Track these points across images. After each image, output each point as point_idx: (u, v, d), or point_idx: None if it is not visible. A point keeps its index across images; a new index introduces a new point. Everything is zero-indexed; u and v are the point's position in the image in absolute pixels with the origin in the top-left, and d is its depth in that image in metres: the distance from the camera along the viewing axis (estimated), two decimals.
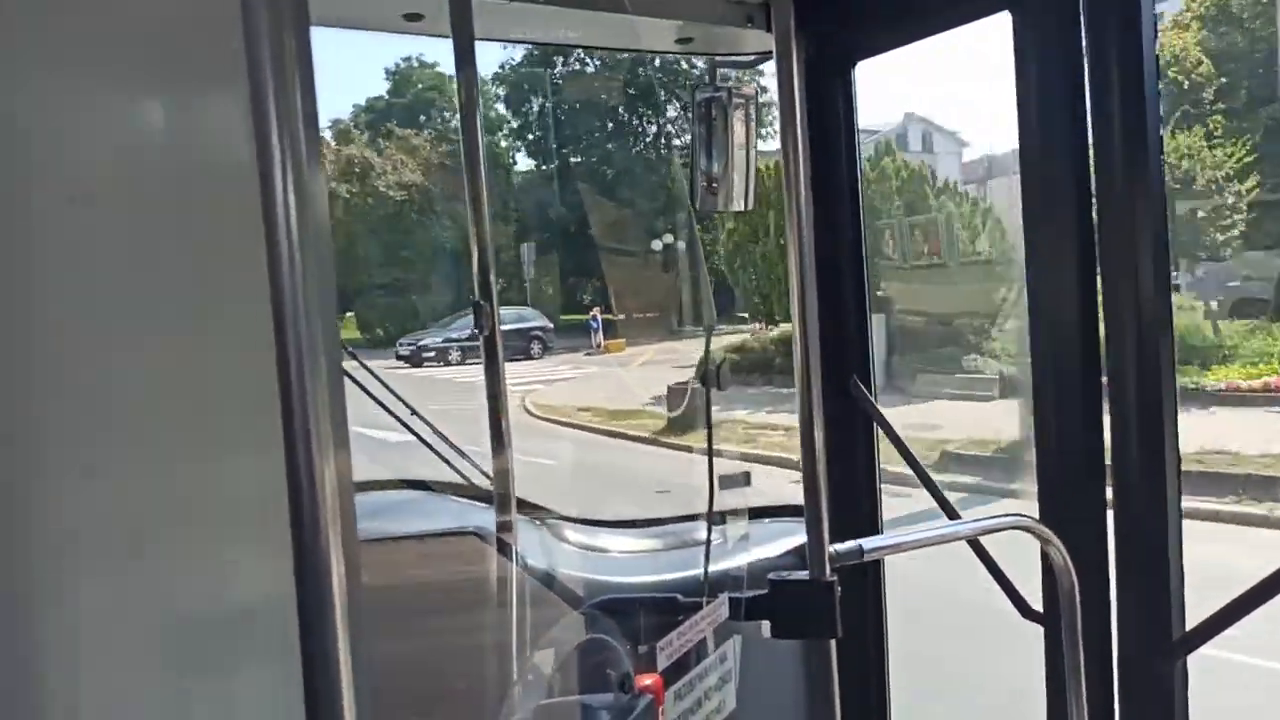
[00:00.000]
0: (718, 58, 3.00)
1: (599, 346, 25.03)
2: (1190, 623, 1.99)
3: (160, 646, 0.77)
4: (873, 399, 2.60)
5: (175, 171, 0.77)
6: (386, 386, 2.21)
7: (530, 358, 24.20)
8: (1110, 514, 2.06)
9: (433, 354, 22.32)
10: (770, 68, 1.87)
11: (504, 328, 2.07)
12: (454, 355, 21.96)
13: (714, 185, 2.55)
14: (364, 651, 0.79)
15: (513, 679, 1.63)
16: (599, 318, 24.91)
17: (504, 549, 2.10)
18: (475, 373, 2.11)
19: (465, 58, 2.01)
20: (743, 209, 2.67)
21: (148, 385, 0.77)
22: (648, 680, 1.56)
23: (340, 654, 0.74)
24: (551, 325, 25.48)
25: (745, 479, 2.56)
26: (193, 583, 0.79)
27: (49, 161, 0.73)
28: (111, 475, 0.75)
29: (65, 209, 0.74)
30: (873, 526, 2.64)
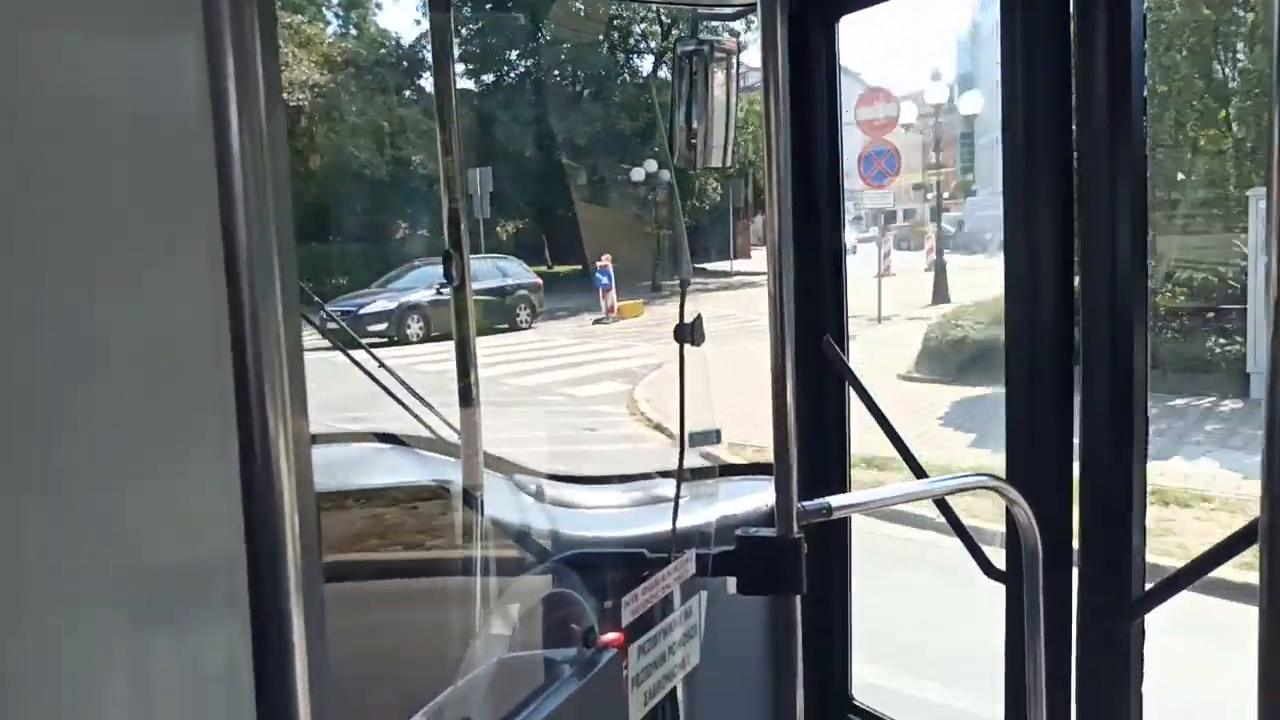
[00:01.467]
0: (700, 9, 2.95)
1: (612, 310, 19.42)
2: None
3: (114, 597, 0.75)
4: (845, 358, 2.60)
5: (125, 117, 0.74)
6: (352, 335, 2.18)
7: (518, 328, 18.74)
8: (1076, 475, 2.08)
9: (383, 325, 16.16)
10: (754, 21, 1.83)
11: (479, 285, 2.02)
12: (414, 327, 16.48)
13: (693, 140, 2.51)
14: (319, 609, 0.77)
15: (475, 632, 1.63)
16: (609, 270, 19.22)
17: (470, 502, 2.09)
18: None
19: (439, 2, 1.95)
20: (722, 165, 2.64)
21: (102, 332, 0.75)
22: (611, 635, 1.56)
23: (292, 610, 0.73)
24: (539, 282, 20.12)
25: (716, 436, 2.56)
26: (148, 532, 0.77)
27: None
28: (64, 425, 0.73)
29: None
30: (842, 486, 2.66)
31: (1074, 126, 2.00)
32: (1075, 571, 2.09)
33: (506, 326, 18.39)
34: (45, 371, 0.71)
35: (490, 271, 18.32)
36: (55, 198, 0.72)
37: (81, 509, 0.73)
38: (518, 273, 19.72)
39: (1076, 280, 2.04)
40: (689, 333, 1.65)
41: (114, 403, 0.74)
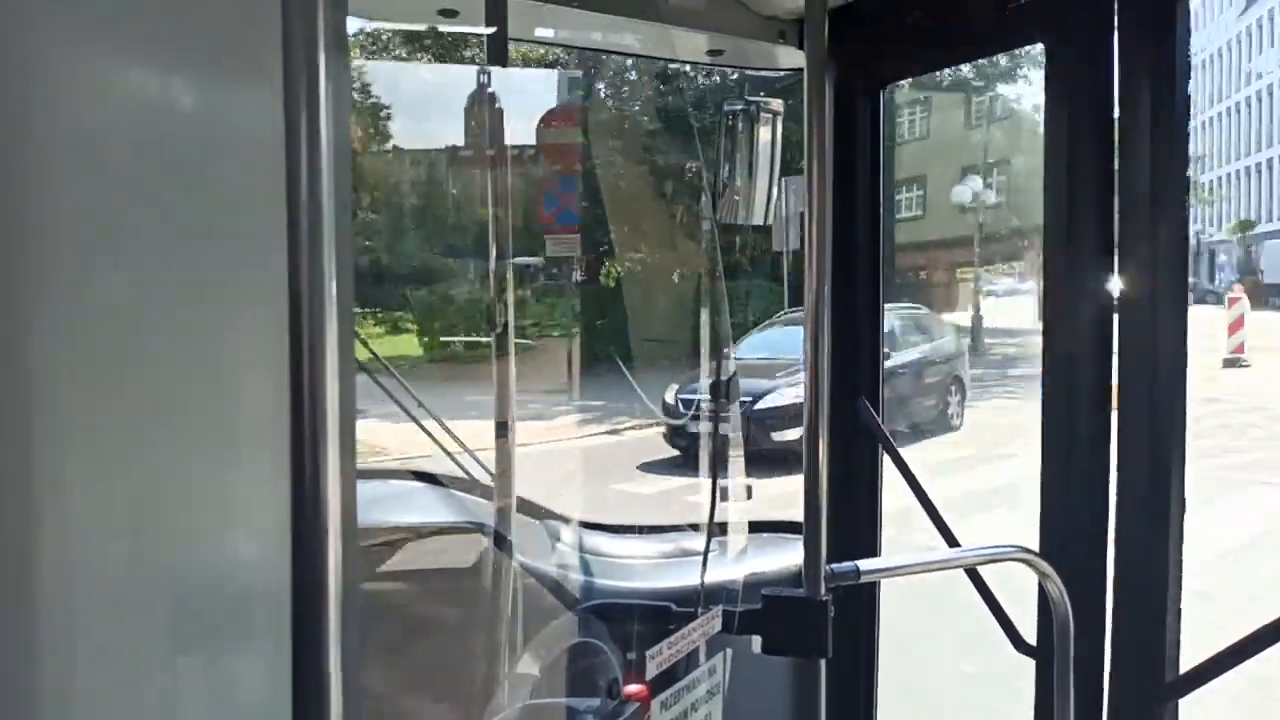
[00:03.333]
0: (749, 72, 3.01)
1: None
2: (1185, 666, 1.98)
3: (159, 631, 0.78)
4: (879, 421, 2.60)
5: (200, 157, 0.78)
6: (392, 373, 2.22)
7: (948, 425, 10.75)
8: (1110, 552, 2.05)
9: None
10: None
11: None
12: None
13: (735, 198, 2.56)
14: (354, 645, 0.79)
15: (501, 677, 1.64)
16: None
17: (501, 545, 2.11)
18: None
19: (498, 55, 2.02)
20: (761, 223, 2.69)
21: (156, 370, 0.78)
22: (635, 687, 1.56)
23: (330, 645, 0.75)
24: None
25: (747, 493, 2.56)
26: (193, 568, 0.79)
27: (71, 138, 0.74)
28: (114, 459, 0.76)
29: (83, 187, 0.75)
30: (872, 549, 2.64)
31: (1116, 201, 2.01)
32: (1108, 650, 2.06)
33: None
34: (101, 407, 0.74)
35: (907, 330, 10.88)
36: (128, 231, 0.76)
37: (130, 533, 0.76)
38: (935, 331, 11.40)
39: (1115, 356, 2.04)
40: (724, 389, 1.67)
41: (167, 430, 0.77)
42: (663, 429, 10.96)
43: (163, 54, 0.78)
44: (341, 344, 0.76)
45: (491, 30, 2.01)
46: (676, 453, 10.41)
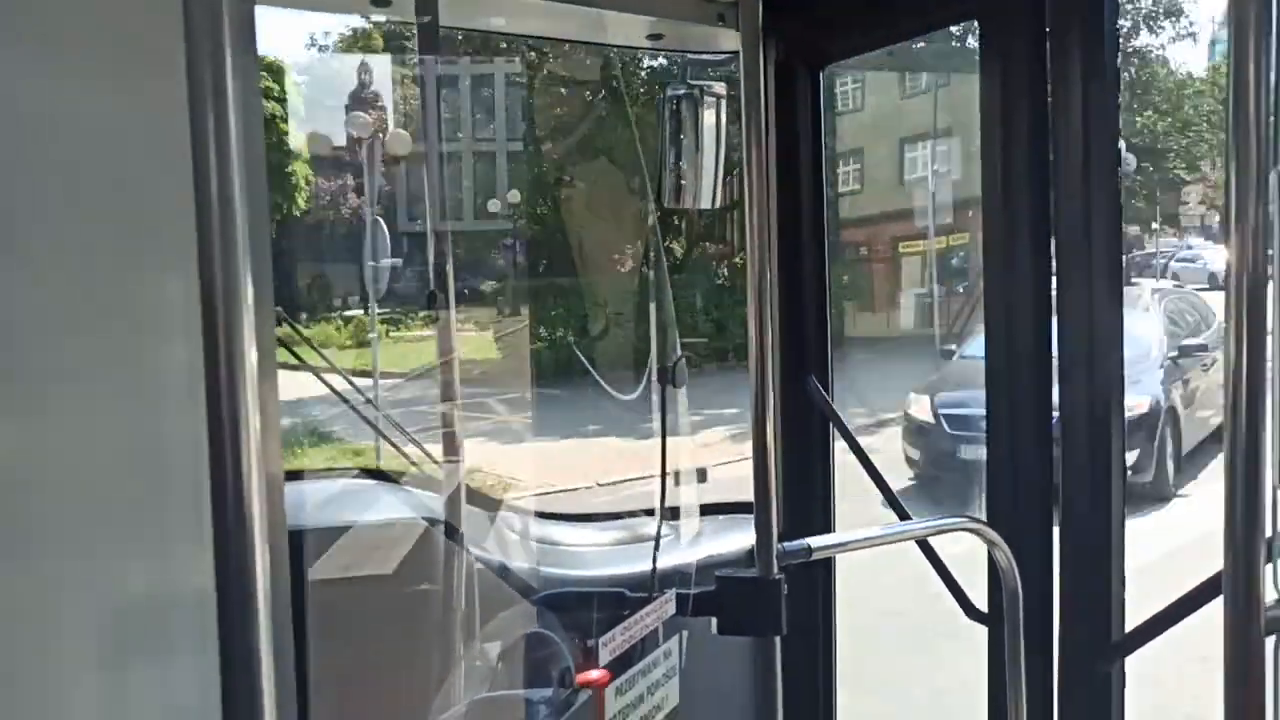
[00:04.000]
0: (689, 55, 3.00)
1: None
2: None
3: (84, 636, 0.76)
4: (829, 398, 2.62)
5: (105, 156, 0.76)
6: (335, 368, 2.19)
7: None
8: (1056, 519, 2.10)
9: None
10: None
11: None
12: None
13: (681, 182, 2.56)
14: (288, 646, 0.78)
15: (454, 670, 1.63)
16: None
17: (453, 538, 2.10)
18: None
19: (430, 44, 1.99)
20: (710, 207, 2.69)
21: (79, 372, 0.76)
22: (596, 674, 1.56)
23: (261, 648, 0.74)
24: None
25: (701, 475, 2.57)
26: (118, 571, 0.78)
27: None
28: (43, 468, 0.74)
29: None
30: (826, 525, 2.66)
31: (1051, 180, 2.04)
32: (1056, 613, 2.10)
33: None
34: (29, 415, 0.73)
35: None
36: (41, 247, 0.74)
37: (51, 549, 0.74)
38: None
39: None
40: (670, 374, 1.67)
41: (80, 433, 0.76)
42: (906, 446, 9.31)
43: (62, 53, 0.76)
44: (260, 344, 0.74)
45: (425, 19, 1.98)
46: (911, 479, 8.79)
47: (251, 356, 0.71)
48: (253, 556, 0.74)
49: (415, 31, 1.95)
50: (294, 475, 2.37)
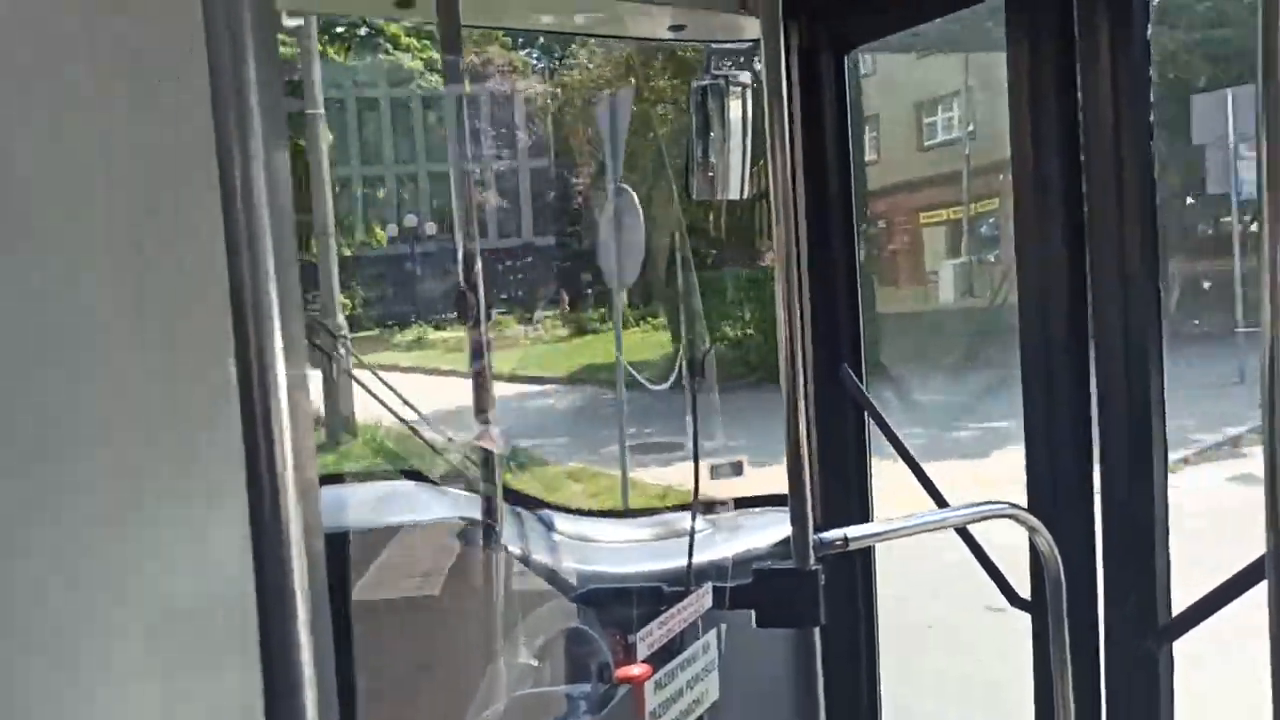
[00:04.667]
0: (713, 45, 2.99)
1: None
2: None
3: (121, 641, 0.77)
4: (863, 387, 2.60)
5: (128, 163, 0.77)
6: (372, 371, 2.22)
7: None
8: (1098, 502, 2.06)
9: None
10: None
11: None
12: None
13: (710, 173, 2.55)
14: (327, 645, 0.79)
15: (493, 669, 1.64)
16: None
17: (489, 537, 2.11)
18: None
19: (452, 44, 2.00)
20: (739, 197, 2.68)
21: (112, 380, 0.77)
22: (638, 669, 1.56)
23: (302, 649, 0.74)
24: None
25: (737, 468, 2.56)
26: (154, 574, 0.79)
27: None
28: (69, 468, 0.75)
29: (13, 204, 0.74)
30: (864, 515, 2.65)
31: (1083, 160, 2.00)
32: (1100, 599, 2.07)
33: None
34: (51, 414, 0.74)
35: None
36: (63, 239, 0.75)
37: (85, 552, 0.75)
38: None
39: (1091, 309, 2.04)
40: (699, 367, 1.66)
41: (118, 444, 0.77)
42: None
43: (82, 57, 0.77)
44: (289, 348, 0.75)
45: (447, 19, 1.98)
46: None
47: (280, 366, 0.72)
48: (289, 560, 0.75)
49: (437, 29, 1.96)
50: (334, 479, 2.40)
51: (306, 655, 0.75)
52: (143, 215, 0.79)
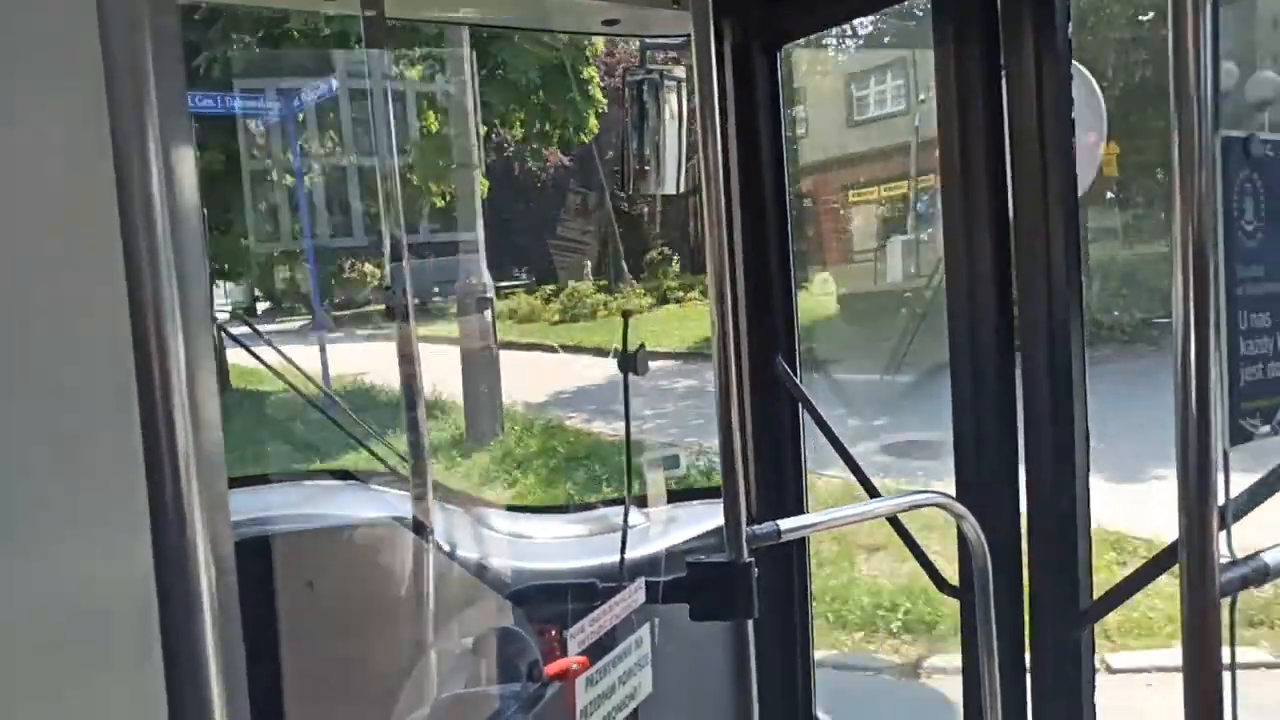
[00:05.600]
0: (647, 39, 2.98)
1: None
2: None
3: (22, 655, 0.74)
4: (797, 379, 2.62)
5: (22, 165, 0.74)
6: (295, 366, 2.17)
7: None
8: (1023, 491, 2.11)
9: None
10: None
11: None
12: None
13: (645, 168, 2.55)
14: (237, 653, 0.77)
15: (426, 668, 1.62)
16: None
17: (421, 536, 2.08)
18: None
19: (377, 36, 1.97)
20: (675, 192, 2.67)
21: (9, 385, 0.74)
22: (574, 665, 1.55)
23: (209, 659, 0.72)
24: None
25: (674, 462, 2.56)
26: (55, 586, 0.76)
27: None
28: None
29: None
30: (799, 507, 2.67)
31: (1008, 153, 2.04)
32: (1026, 584, 2.12)
33: None
34: None
35: None
36: None
37: None
38: None
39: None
40: (632, 362, 1.66)
41: (16, 453, 0.74)
42: None
43: None
44: (193, 349, 0.73)
45: (371, 13, 1.95)
46: None
47: (182, 369, 0.70)
48: (195, 566, 0.72)
49: (361, 23, 1.92)
50: (260, 479, 2.35)
51: (214, 665, 0.73)
52: (33, 213, 0.76)
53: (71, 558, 0.74)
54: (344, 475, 2.50)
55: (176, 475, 0.72)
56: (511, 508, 2.53)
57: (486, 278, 10.20)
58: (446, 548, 2.13)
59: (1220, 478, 1.05)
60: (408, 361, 2.00)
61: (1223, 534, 1.08)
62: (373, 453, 2.38)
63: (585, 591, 1.73)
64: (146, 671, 0.74)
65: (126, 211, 0.71)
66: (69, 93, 0.76)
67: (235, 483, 2.29)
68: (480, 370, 10.14)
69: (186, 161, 0.77)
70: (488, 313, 10.07)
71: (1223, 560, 1.06)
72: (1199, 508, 1.05)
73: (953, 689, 2.28)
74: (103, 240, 0.72)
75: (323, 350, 11.83)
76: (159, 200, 0.71)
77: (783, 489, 2.64)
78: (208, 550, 0.73)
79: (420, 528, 2.08)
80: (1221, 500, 1.06)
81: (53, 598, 0.73)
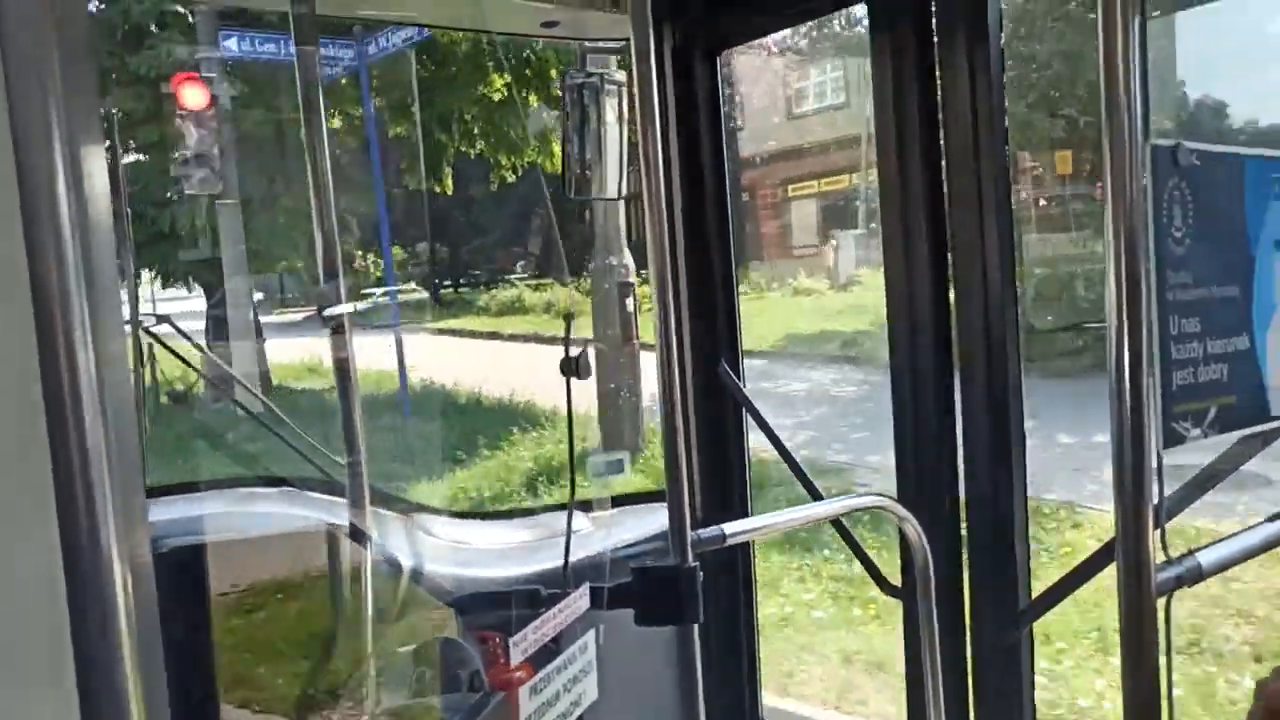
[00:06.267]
0: (586, 43, 2.97)
1: None
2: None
3: None
4: (741, 384, 2.63)
5: None
6: (224, 366, 2.10)
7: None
8: (962, 493, 2.14)
9: None
10: None
11: None
12: None
13: (587, 172, 2.53)
14: (156, 668, 0.73)
15: (365, 679, 1.58)
16: None
17: (359, 543, 2.04)
18: None
19: (306, 34, 1.92)
20: (617, 196, 2.67)
21: None
22: (508, 675, 1.53)
23: (125, 675, 0.69)
24: None
25: (619, 466, 2.55)
26: None
27: None
28: None
29: None
30: (743, 510, 2.68)
31: (944, 161, 2.07)
32: (966, 584, 2.15)
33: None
34: None
35: None
36: None
37: None
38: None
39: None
40: (574, 366, 1.64)
41: None
42: None
43: None
44: (103, 355, 0.69)
45: (301, 8, 1.90)
46: None
47: (91, 376, 0.66)
48: (109, 579, 0.69)
49: (291, 20, 1.88)
50: (190, 486, 2.27)
51: (131, 680, 0.69)
52: None
53: None
54: (278, 481, 2.43)
55: (89, 482, 0.68)
56: (451, 513, 2.49)
57: (628, 258, 8.65)
58: (386, 554, 2.08)
59: (1154, 480, 1.07)
60: (343, 367, 1.95)
61: (1158, 534, 1.10)
62: (306, 456, 2.32)
63: (529, 598, 1.70)
64: (59, 694, 0.70)
65: (31, 215, 0.67)
66: None
67: (164, 491, 2.21)
68: (620, 370, 8.52)
69: (95, 159, 0.73)
70: (630, 301, 8.54)
71: (1158, 561, 1.08)
72: (1134, 509, 1.06)
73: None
74: (6, 240, 0.68)
75: (399, 346, 10.76)
76: (64, 197, 0.67)
77: (727, 493, 2.65)
78: (124, 564, 0.70)
79: (358, 534, 2.03)
80: (1156, 501, 1.08)
81: None
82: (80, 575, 0.67)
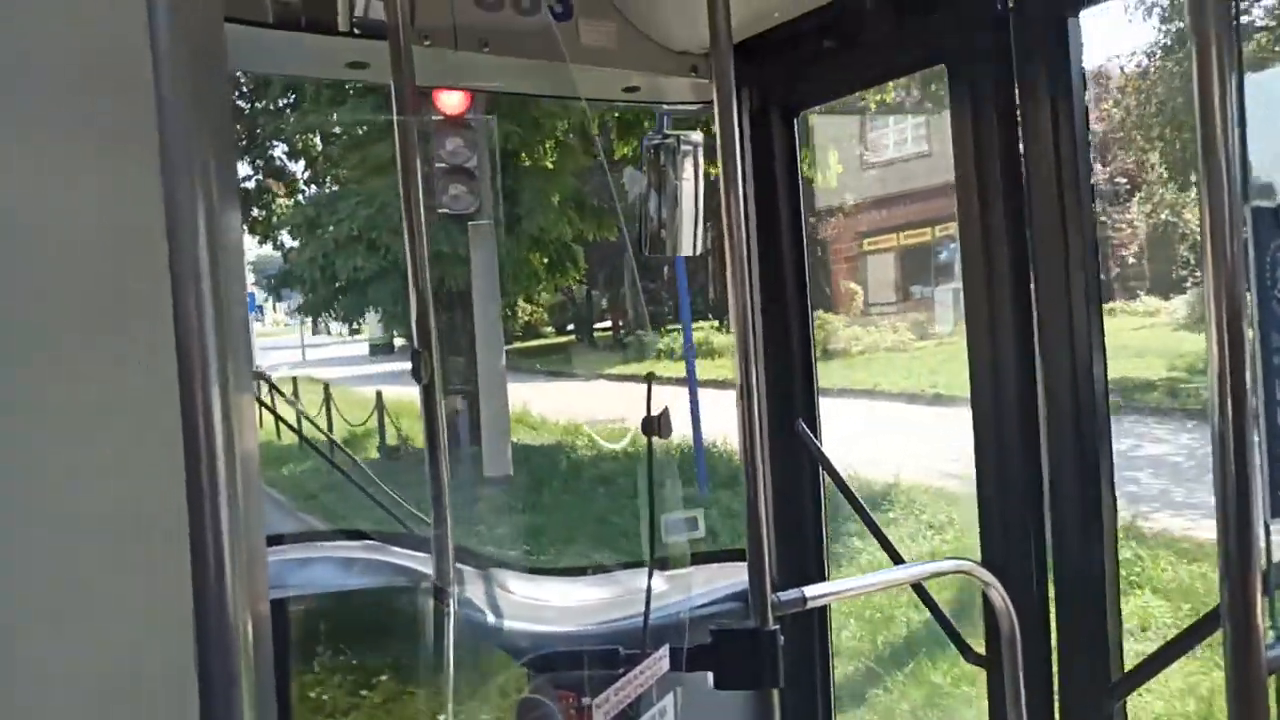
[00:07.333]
0: (665, 106, 3.04)
1: None
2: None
3: None
4: (818, 442, 2.61)
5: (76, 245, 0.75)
6: (316, 425, 2.16)
7: None
8: (1050, 558, 2.08)
9: None
10: None
11: None
12: None
13: (663, 231, 2.59)
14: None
15: None
16: None
17: (441, 601, 2.06)
18: None
19: (406, 105, 2.01)
20: (692, 254, 2.71)
21: (45, 473, 0.74)
22: None
23: None
24: None
25: (693, 524, 2.54)
26: (93, 651, 0.75)
27: None
28: (20, 547, 0.72)
29: None
30: (820, 571, 2.64)
31: (1028, 224, 2.06)
32: (1054, 654, 2.08)
33: None
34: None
35: None
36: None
37: (31, 631, 0.72)
38: None
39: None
40: (656, 425, 1.66)
41: (63, 524, 0.74)
42: None
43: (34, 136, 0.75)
44: (235, 415, 0.73)
45: (400, 81, 1.99)
46: None
47: (223, 428, 0.70)
48: (236, 632, 0.72)
49: (392, 93, 1.97)
50: (275, 540, 2.33)
51: None
52: (87, 282, 0.77)
53: (108, 629, 0.73)
54: (357, 535, 2.48)
55: (219, 542, 0.72)
56: (531, 570, 2.51)
57: None
58: (465, 611, 2.10)
59: (1262, 548, 1.04)
60: (432, 424, 1.99)
61: (1265, 602, 1.06)
62: (390, 512, 2.36)
63: (607, 658, 1.70)
64: None
65: (179, 284, 0.72)
66: (123, 160, 0.78)
67: None
68: None
69: (232, 216, 0.78)
70: None
71: (1266, 630, 1.04)
72: (1241, 577, 1.03)
73: None
74: (151, 302, 0.73)
75: (693, 379, 10.64)
76: (206, 268, 0.72)
77: (804, 555, 2.61)
78: (246, 616, 0.73)
79: (440, 592, 2.06)
80: (1264, 568, 1.05)
81: (97, 665, 0.73)
82: (208, 627, 0.70)
